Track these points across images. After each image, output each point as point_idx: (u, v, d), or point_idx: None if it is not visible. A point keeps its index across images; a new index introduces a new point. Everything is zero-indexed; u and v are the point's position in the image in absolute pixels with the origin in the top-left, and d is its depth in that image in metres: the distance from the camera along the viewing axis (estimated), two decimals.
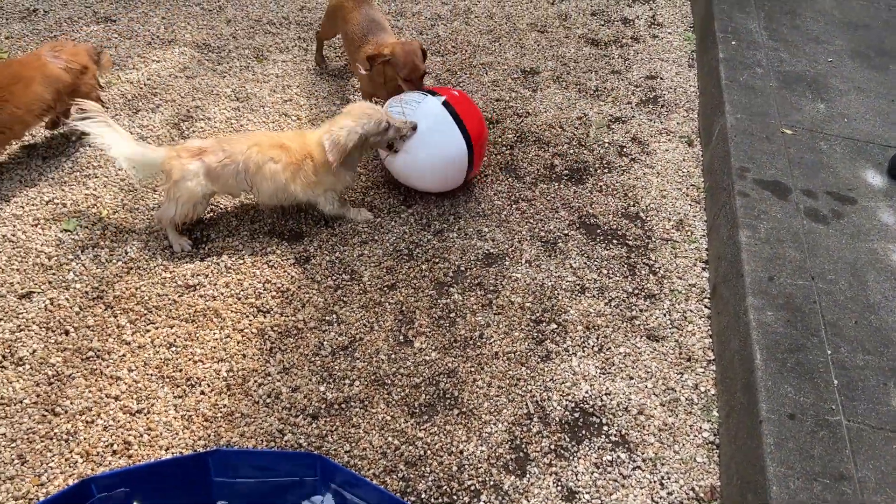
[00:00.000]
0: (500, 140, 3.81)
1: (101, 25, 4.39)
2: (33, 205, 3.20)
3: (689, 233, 3.36)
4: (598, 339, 2.87)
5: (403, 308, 2.94)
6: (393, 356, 2.74)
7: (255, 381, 2.62)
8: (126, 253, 3.04)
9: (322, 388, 2.61)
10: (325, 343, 2.78)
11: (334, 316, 2.89)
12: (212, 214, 3.26)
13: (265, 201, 3.12)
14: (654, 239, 3.33)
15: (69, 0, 4.59)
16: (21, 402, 2.48)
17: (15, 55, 4.05)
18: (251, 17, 4.58)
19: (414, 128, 3.15)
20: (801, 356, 2.48)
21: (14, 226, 3.10)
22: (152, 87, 3.94)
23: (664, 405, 2.64)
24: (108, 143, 2.91)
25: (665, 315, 2.99)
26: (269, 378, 2.64)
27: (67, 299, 2.83)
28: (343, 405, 2.57)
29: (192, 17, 4.53)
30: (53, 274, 2.93)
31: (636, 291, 3.08)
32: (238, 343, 2.75)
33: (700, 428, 2.57)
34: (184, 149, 2.98)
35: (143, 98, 3.87)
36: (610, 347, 2.83)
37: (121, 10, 4.54)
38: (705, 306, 3.03)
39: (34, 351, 2.64)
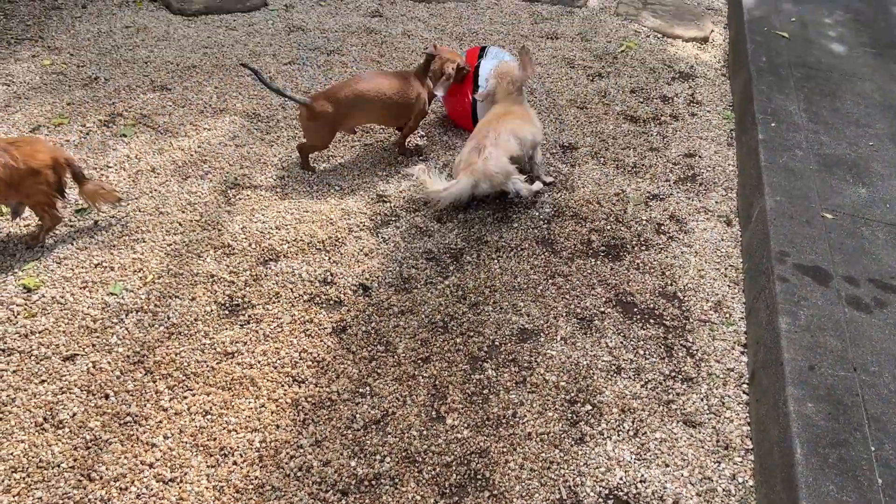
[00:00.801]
0: (537, 214, 3.85)
1: (156, 93, 4.59)
2: (83, 267, 3.31)
3: (727, 315, 3.33)
4: (633, 422, 2.83)
5: (437, 382, 2.94)
6: (425, 432, 2.74)
7: (287, 454, 2.63)
8: (168, 318, 3.11)
9: (353, 463, 2.61)
10: (357, 416, 2.79)
11: (368, 388, 2.90)
12: (255, 278, 3.33)
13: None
14: (691, 320, 3.30)
15: (128, 69, 4.82)
16: (58, 465, 2.53)
17: (75, 120, 4.25)
18: (300, 88, 4.74)
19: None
20: (844, 451, 2.42)
21: (63, 287, 3.20)
22: (202, 155, 4.09)
23: (700, 495, 2.57)
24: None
25: (702, 400, 2.94)
26: (301, 450, 2.64)
27: (109, 363, 2.90)
28: (373, 482, 2.56)
29: (243, 87, 4.72)
30: (97, 337, 3.00)
31: (673, 374, 3.04)
32: (272, 413, 2.77)
33: None
34: (472, 154, 3.68)
35: (194, 164, 4.01)
36: (645, 432, 2.79)
37: (176, 79, 4.75)
38: (743, 392, 2.98)
39: (74, 414, 2.70)
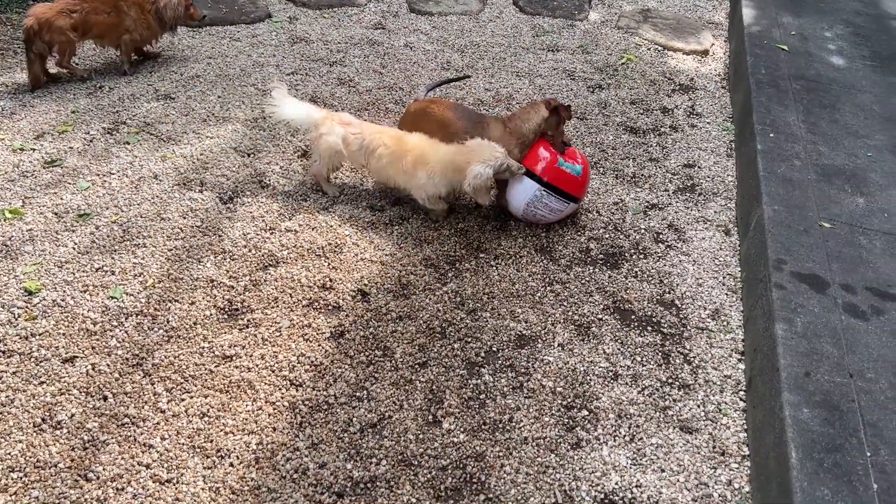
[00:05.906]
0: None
1: (160, 102, 4.63)
2: (84, 271, 3.34)
3: (724, 323, 3.33)
4: (629, 428, 2.83)
5: (434, 387, 2.95)
6: (421, 436, 2.74)
7: (284, 456, 2.63)
8: (168, 322, 3.13)
9: (349, 466, 2.62)
10: (354, 419, 2.79)
11: (365, 392, 2.91)
12: (255, 284, 3.35)
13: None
14: (689, 328, 3.30)
15: (132, 79, 4.87)
16: (56, 465, 2.54)
17: (79, 128, 4.29)
18: (300, 94, 4.79)
19: (523, 171, 3.64)
20: (839, 457, 2.41)
21: (65, 291, 3.22)
22: (204, 162, 4.12)
23: (696, 501, 2.57)
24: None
25: (699, 406, 2.94)
26: (298, 453, 2.65)
27: (108, 365, 2.92)
28: (369, 484, 2.56)
29: (246, 96, 4.76)
30: (97, 340, 3.02)
31: (670, 381, 3.04)
32: (269, 416, 2.78)
33: None
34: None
35: (195, 172, 4.04)
36: (642, 438, 2.79)
37: (180, 88, 4.80)
38: (740, 399, 2.98)
39: (72, 415, 2.71)
